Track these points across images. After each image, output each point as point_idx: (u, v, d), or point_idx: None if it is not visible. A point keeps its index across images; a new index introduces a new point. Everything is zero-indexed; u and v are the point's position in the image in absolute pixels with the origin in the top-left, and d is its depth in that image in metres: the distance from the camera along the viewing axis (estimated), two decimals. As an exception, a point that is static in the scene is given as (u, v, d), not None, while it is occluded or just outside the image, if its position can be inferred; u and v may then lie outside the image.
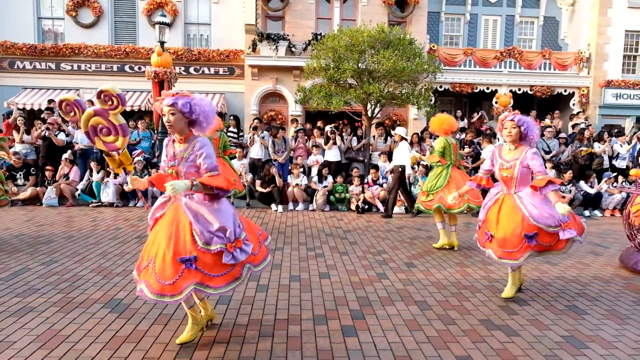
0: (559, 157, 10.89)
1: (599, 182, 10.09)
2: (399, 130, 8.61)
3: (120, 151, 3.37)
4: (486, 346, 3.30)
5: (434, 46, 15.32)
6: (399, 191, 8.88)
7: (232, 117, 11.63)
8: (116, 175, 9.46)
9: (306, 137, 11.15)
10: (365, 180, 9.81)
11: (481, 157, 10.52)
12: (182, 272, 2.90)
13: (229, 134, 10.62)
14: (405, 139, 8.66)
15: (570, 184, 9.87)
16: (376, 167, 10.01)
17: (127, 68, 15.10)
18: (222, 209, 3.10)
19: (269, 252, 3.44)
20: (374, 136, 11.35)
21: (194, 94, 3.15)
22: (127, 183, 9.33)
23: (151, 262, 2.98)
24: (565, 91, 16.10)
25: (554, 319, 3.82)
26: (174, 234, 2.99)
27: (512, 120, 4.07)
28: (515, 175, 4.08)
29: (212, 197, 3.10)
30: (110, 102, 3.18)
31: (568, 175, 9.91)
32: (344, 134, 11.12)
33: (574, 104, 16.12)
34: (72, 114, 3.35)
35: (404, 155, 8.45)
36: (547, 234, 3.97)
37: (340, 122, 12.52)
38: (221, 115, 14.62)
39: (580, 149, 10.70)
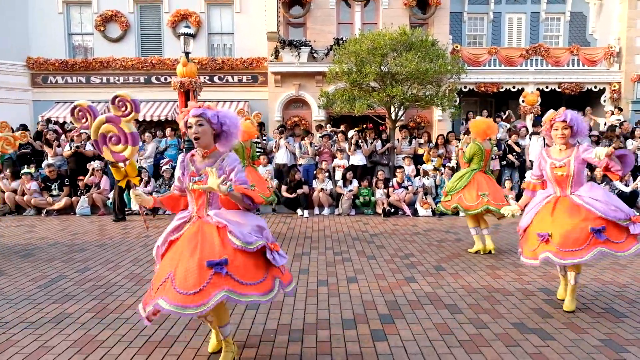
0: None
1: (634, 180, 9.74)
2: None
3: (127, 162, 3.20)
4: (520, 350, 3.22)
5: (457, 46, 15.12)
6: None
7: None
8: (147, 184, 9.68)
9: (331, 142, 11.17)
10: (391, 184, 9.75)
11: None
12: (211, 278, 2.59)
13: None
14: None
15: (604, 183, 9.57)
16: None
17: (153, 79, 15.46)
18: (253, 216, 2.98)
19: (292, 277, 3.21)
20: (398, 139, 11.27)
21: (218, 106, 3.00)
22: (157, 192, 9.57)
23: (170, 275, 2.66)
24: (595, 87, 15.63)
25: (591, 322, 3.70)
26: (199, 242, 2.74)
27: (563, 120, 3.78)
28: (572, 172, 3.82)
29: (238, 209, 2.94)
30: (124, 108, 3.06)
31: (598, 172, 9.61)
32: (367, 137, 11.09)
33: (604, 100, 15.62)
34: (83, 120, 3.18)
35: None
36: (616, 229, 3.63)
37: (365, 125, 12.48)
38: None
39: (611, 146, 10.35)
